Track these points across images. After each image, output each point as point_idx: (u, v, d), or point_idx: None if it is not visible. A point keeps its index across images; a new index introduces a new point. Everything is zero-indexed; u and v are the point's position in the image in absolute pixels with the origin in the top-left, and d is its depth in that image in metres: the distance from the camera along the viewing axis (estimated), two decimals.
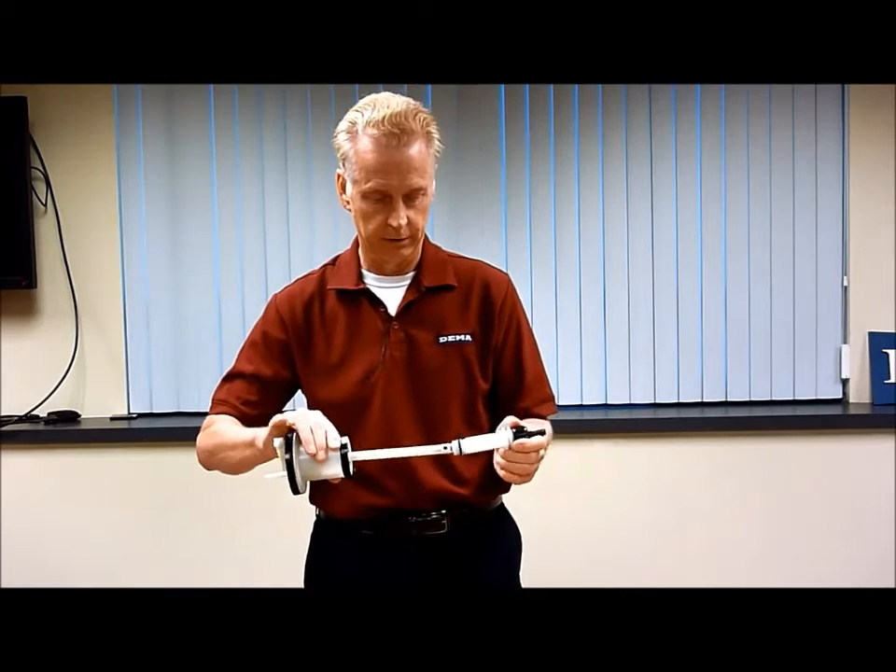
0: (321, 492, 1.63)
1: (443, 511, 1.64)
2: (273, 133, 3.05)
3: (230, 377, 1.71)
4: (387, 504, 1.63)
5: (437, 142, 1.58)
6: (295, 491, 1.45)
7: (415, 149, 1.53)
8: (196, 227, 3.07)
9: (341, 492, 1.55)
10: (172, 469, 2.90)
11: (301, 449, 1.42)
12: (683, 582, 2.86)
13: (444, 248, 1.74)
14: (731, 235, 3.07)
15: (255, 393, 1.68)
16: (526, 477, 1.52)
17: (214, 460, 1.65)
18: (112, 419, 3.04)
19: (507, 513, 1.77)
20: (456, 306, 1.67)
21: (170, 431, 2.93)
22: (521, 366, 1.70)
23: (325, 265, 1.73)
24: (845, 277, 3.07)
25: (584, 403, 3.08)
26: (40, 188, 3.02)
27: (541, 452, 1.49)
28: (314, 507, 1.74)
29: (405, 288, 1.66)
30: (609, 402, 3.09)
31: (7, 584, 2.88)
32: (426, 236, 1.68)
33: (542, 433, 1.47)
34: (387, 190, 1.53)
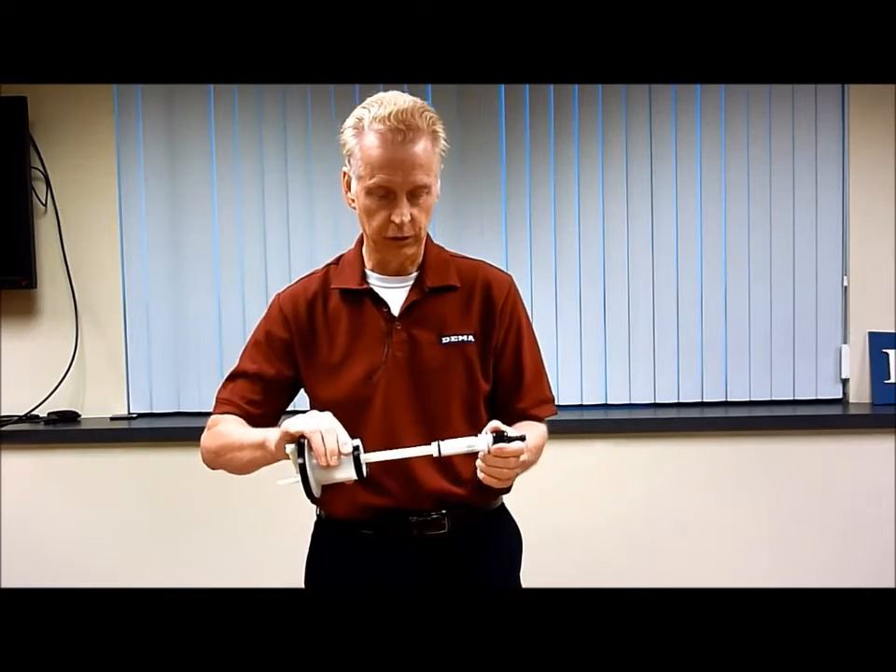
0: (322, 491, 1.63)
1: (443, 512, 1.64)
2: (273, 134, 3.05)
3: (233, 376, 1.71)
4: (387, 504, 1.63)
5: (443, 141, 1.59)
6: (310, 496, 1.46)
7: (421, 147, 1.53)
8: (196, 227, 3.07)
9: (340, 491, 1.55)
10: (172, 468, 2.91)
11: (314, 454, 1.43)
12: (683, 582, 2.86)
13: (446, 248, 1.74)
14: (731, 235, 3.07)
15: (259, 392, 1.68)
16: (506, 482, 1.52)
17: (220, 461, 1.64)
18: (112, 419, 3.04)
19: (507, 513, 1.77)
20: (459, 307, 1.67)
21: (170, 431, 2.93)
22: (520, 367, 1.70)
23: (328, 264, 1.73)
24: (845, 277, 3.07)
25: (584, 403, 3.08)
26: (40, 188, 3.02)
27: (523, 457, 1.49)
28: (314, 507, 1.73)
29: (408, 289, 1.66)
30: (608, 402, 3.09)
31: (6, 584, 2.88)
32: (429, 236, 1.68)
33: (523, 439, 1.47)
34: (391, 186, 1.53)
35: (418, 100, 1.57)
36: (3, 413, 3.03)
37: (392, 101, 1.54)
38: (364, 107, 1.57)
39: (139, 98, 3.04)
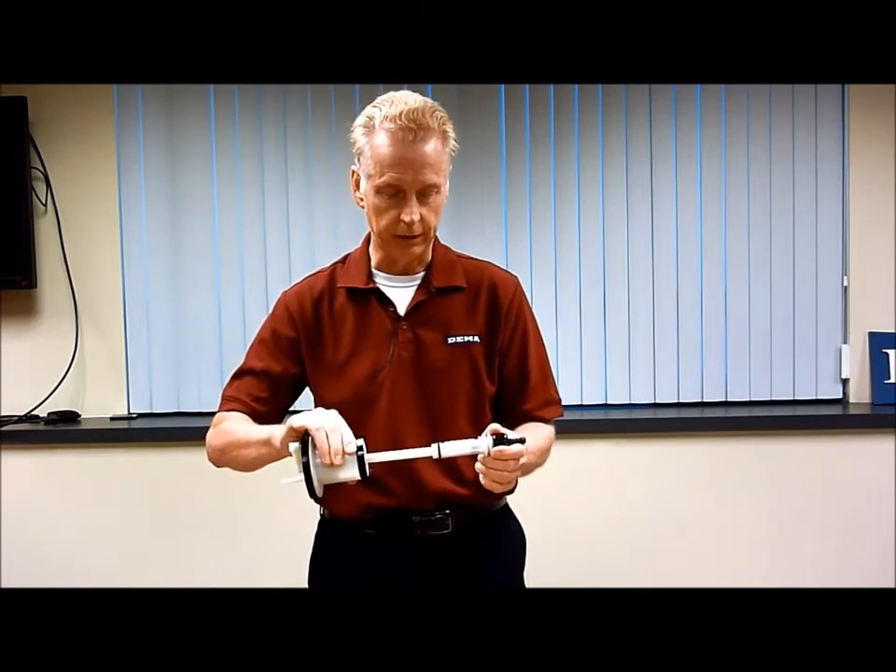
0: (325, 490, 1.63)
1: (447, 512, 1.64)
2: (273, 134, 3.05)
3: (239, 374, 1.71)
4: (390, 504, 1.63)
5: (453, 142, 1.59)
6: (312, 495, 1.45)
7: (431, 146, 1.53)
8: (196, 227, 3.07)
9: (343, 491, 1.54)
10: (172, 468, 2.90)
11: (318, 452, 1.42)
12: (684, 582, 2.86)
13: (453, 249, 1.74)
14: (731, 235, 3.07)
15: (265, 390, 1.68)
16: (506, 485, 1.52)
17: (225, 458, 1.64)
18: (112, 419, 3.04)
19: (511, 514, 1.77)
20: (465, 307, 1.67)
21: (170, 431, 2.93)
22: (525, 368, 1.70)
23: (335, 263, 1.73)
24: (845, 277, 3.07)
25: (584, 403, 3.08)
26: (40, 188, 3.02)
27: (523, 460, 1.48)
28: (315, 507, 1.73)
29: (415, 288, 1.66)
30: (608, 402, 3.09)
31: (6, 584, 2.88)
32: (436, 237, 1.68)
33: (522, 441, 1.47)
34: (401, 185, 1.54)
35: (429, 100, 1.57)
36: (3, 413, 3.03)
37: (403, 100, 1.54)
38: (375, 106, 1.57)
39: (139, 98, 3.04)
